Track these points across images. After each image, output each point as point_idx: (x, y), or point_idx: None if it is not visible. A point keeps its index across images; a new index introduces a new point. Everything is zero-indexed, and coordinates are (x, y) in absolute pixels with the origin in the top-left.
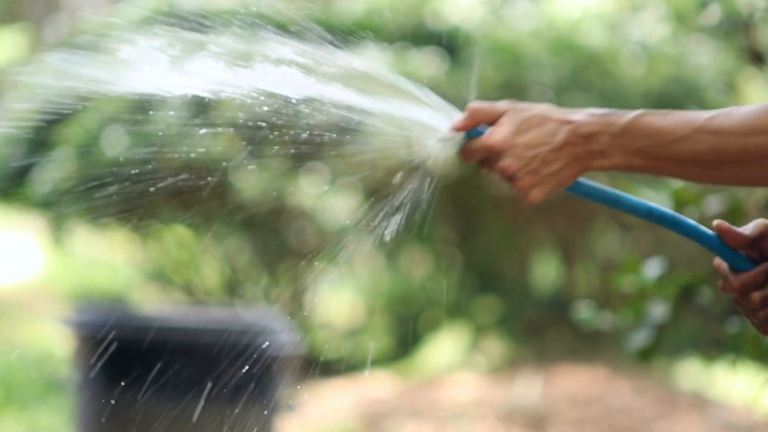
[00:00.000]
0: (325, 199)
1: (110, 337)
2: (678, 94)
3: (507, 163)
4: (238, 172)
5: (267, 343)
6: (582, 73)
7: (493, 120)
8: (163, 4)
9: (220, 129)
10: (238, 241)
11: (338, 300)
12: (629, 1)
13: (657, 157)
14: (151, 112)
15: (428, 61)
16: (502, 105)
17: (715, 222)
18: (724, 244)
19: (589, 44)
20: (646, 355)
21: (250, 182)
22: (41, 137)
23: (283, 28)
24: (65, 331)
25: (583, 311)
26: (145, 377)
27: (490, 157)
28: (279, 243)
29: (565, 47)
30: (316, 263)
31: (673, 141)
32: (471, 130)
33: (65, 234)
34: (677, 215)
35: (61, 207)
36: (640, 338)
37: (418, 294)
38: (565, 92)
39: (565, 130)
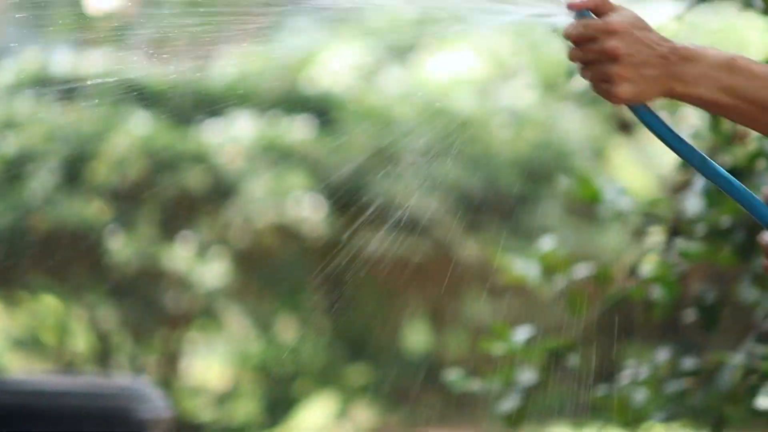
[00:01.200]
0: (198, 264)
1: None
2: (547, 160)
3: (618, 44)
4: (109, 238)
5: (137, 408)
6: (452, 139)
7: (606, 11)
8: (35, 67)
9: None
10: (109, 306)
11: (209, 365)
12: (499, 68)
13: (747, 99)
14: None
15: (300, 127)
16: (617, 5)
17: (764, 188)
18: None
19: (460, 109)
20: (514, 420)
21: (122, 247)
22: None
23: (150, 94)
24: None
25: (453, 376)
26: None
27: (600, 38)
28: (151, 308)
29: (435, 112)
30: (188, 328)
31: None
32: (584, 11)
33: None
34: (730, 176)
35: None
36: (508, 403)
37: (289, 360)
38: (435, 157)
39: (667, 46)
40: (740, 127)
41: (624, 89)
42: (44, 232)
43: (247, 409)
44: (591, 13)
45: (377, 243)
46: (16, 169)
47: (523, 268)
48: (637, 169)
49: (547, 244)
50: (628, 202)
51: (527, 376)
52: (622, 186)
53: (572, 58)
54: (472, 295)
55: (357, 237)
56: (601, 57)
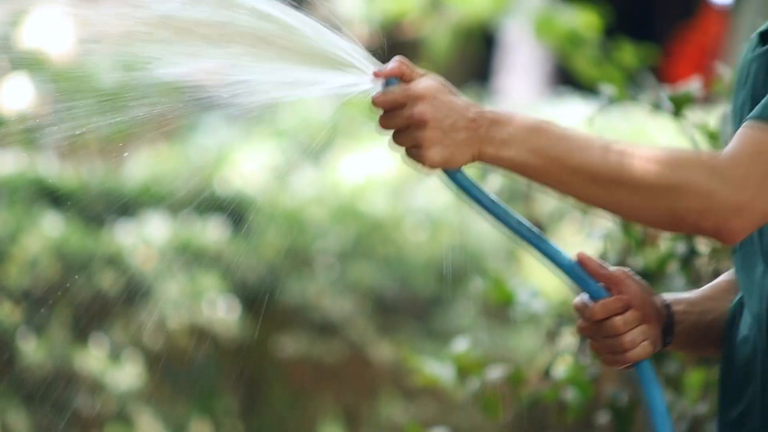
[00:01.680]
0: (111, 367)
1: None
2: (460, 262)
3: (425, 109)
4: (20, 340)
5: None
6: (366, 240)
7: (412, 78)
8: None
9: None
10: (20, 409)
11: None
12: (413, 169)
13: (557, 161)
14: None
15: (214, 228)
16: (423, 71)
17: (578, 252)
18: (584, 271)
19: (373, 211)
20: None
21: (34, 350)
22: None
23: (62, 195)
24: None
25: None
26: None
27: (407, 105)
28: (63, 411)
29: (348, 214)
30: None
31: (579, 148)
32: (391, 79)
33: None
34: (543, 235)
35: None
36: None
37: None
38: (349, 259)
39: (475, 110)
40: (651, 230)
41: (434, 153)
42: None
43: None
44: (397, 81)
45: (291, 344)
46: None
47: (438, 369)
48: (549, 272)
49: (460, 345)
50: (541, 304)
51: None
52: (534, 288)
53: (382, 125)
54: (386, 397)
55: (271, 338)
56: (410, 123)
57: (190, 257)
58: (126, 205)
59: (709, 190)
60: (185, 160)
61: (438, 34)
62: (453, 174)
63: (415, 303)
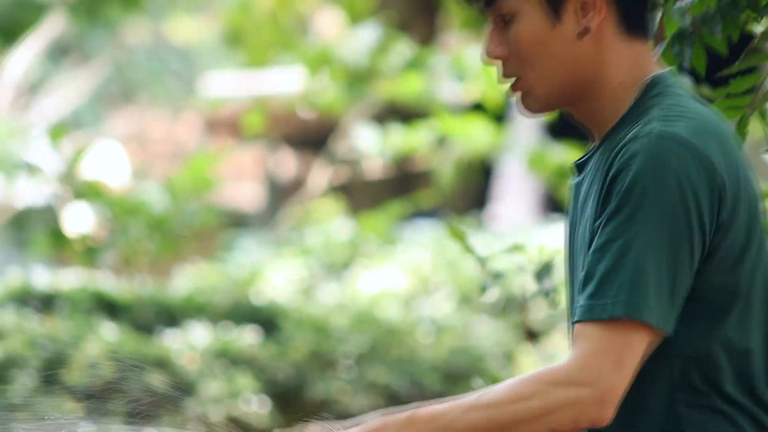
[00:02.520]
0: None
1: None
2: (463, 363)
3: None
4: None
5: None
6: (381, 343)
7: None
8: (18, 283)
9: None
10: None
11: None
12: (421, 283)
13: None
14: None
15: (248, 334)
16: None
17: None
18: None
19: (387, 319)
20: None
21: None
22: None
23: (117, 306)
24: None
25: None
26: None
27: None
28: None
29: (366, 321)
30: None
31: (451, 420)
32: None
33: None
34: None
35: None
36: None
37: None
38: (366, 360)
39: (357, 430)
40: None
41: None
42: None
43: None
44: None
45: None
46: (1, 373)
47: None
48: None
49: None
50: None
51: None
52: None
53: None
54: None
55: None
56: None
57: (228, 360)
58: (172, 315)
59: (573, 398)
60: (224, 276)
61: (443, 167)
62: None
63: (424, 399)
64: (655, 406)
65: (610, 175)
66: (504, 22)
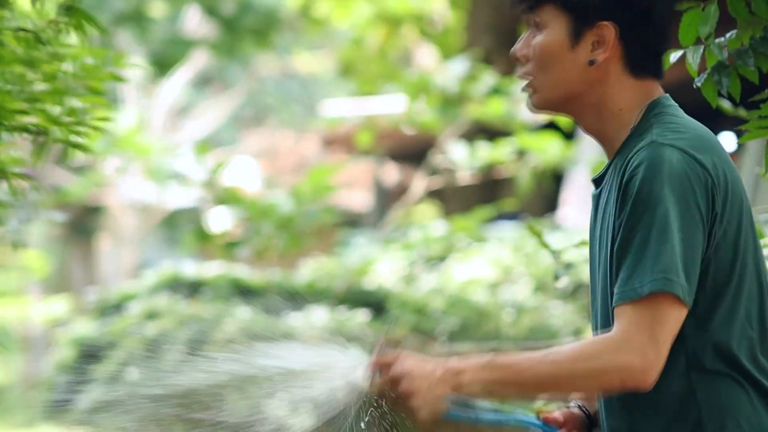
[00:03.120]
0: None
1: None
2: (539, 339)
3: (409, 386)
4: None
5: None
6: (470, 323)
7: (392, 362)
8: (170, 273)
9: None
10: None
11: None
12: (504, 272)
13: (508, 384)
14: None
15: (359, 315)
16: (397, 351)
17: (541, 414)
18: (546, 424)
19: (476, 302)
20: None
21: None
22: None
23: (251, 292)
24: None
25: None
26: None
27: (395, 385)
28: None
29: (458, 304)
30: None
31: (522, 370)
32: (380, 368)
33: None
34: (521, 415)
35: (95, 422)
36: None
37: None
38: (458, 336)
39: (442, 368)
40: None
41: (425, 412)
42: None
43: None
44: (386, 368)
45: None
46: (155, 347)
47: None
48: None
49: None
50: None
51: None
52: None
53: (375, 392)
54: None
55: None
56: (402, 397)
57: (345, 337)
58: (296, 299)
59: (628, 364)
60: (339, 266)
61: (522, 176)
62: (447, 416)
63: None
64: (673, 376)
65: (624, 182)
66: (537, 30)
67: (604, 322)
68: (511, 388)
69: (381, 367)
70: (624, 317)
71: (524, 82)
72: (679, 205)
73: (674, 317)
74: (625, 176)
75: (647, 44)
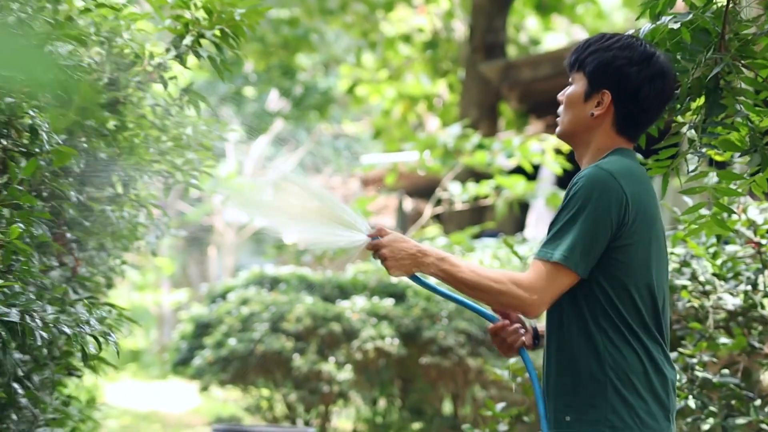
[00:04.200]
0: (337, 370)
1: None
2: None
3: (385, 252)
4: (293, 357)
5: None
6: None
7: (383, 235)
8: (258, 272)
9: (286, 334)
10: (291, 394)
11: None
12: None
13: (449, 276)
14: (248, 327)
15: (386, 301)
16: (390, 230)
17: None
18: (491, 315)
19: None
20: None
21: (300, 362)
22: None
23: (313, 285)
24: None
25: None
26: None
27: (378, 249)
28: (315, 394)
29: (455, 293)
30: None
31: (457, 272)
32: (374, 237)
33: (208, 386)
34: (465, 299)
35: (205, 375)
36: None
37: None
38: (454, 316)
39: (414, 248)
40: None
41: (393, 271)
42: (261, 353)
43: None
44: (378, 237)
45: (426, 358)
46: (246, 323)
47: (500, 372)
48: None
49: (513, 359)
50: None
51: None
52: None
53: (373, 256)
54: (475, 386)
55: (415, 355)
56: (381, 258)
57: (375, 316)
58: (344, 290)
59: (520, 296)
60: (373, 268)
61: (499, 204)
62: (411, 277)
63: (487, 337)
64: (579, 338)
65: (568, 187)
66: (570, 83)
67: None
68: (448, 281)
69: (378, 234)
70: (535, 267)
71: (558, 115)
72: (596, 205)
73: (564, 281)
74: (571, 184)
75: (630, 115)
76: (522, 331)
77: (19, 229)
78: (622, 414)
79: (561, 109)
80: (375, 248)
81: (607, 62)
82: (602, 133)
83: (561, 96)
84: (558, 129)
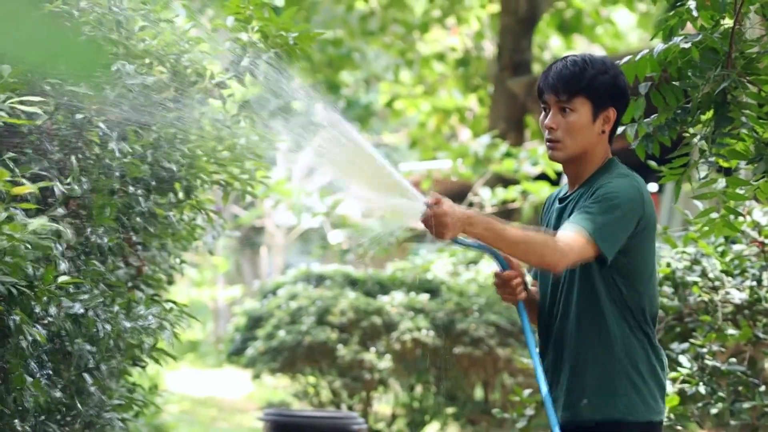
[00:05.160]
0: (378, 359)
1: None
2: None
3: (446, 220)
4: (336, 347)
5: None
6: (493, 300)
7: (439, 203)
8: (304, 270)
9: (330, 325)
10: (336, 381)
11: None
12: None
13: (493, 234)
14: (296, 320)
15: (422, 296)
16: (442, 199)
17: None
18: (504, 262)
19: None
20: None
21: (343, 351)
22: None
23: (356, 282)
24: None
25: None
26: None
27: (438, 216)
28: (358, 381)
29: (485, 288)
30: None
31: (501, 231)
32: (431, 205)
33: (260, 374)
34: (492, 249)
35: (257, 364)
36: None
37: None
38: (485, 309)
39: (464, 213)
40: None
41: (449, 235)
42: (308, 343)
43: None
44: (434, 205)
45: (459, 348)
46: (294, 316)
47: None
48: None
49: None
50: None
51: None
52: None
53: (424, 224)
54: (504, 374)
55: (449, 345)
56: (438, 222)
57: (412, 310)
58: (384, 286)
59: (552, 254)
60: (411, 265)
61: (525, 207)
62: (455, 240)
63: (518, 329)
64: (595, 327)
65: (595, 190)
66: (564, 111)
67: None
68: (490, 237)
69: (430, 204)
70: (573, 232)
71: (550, 139)
72: (626, 204)
73: (590, 254)
74: (597, 188)
75: (618, 124)
76: (523, 286)
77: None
78: (633, 398)
79: (559, 134)
80: (433, 216)
81: (611, 83)
82: (601, 146)
83: (552, 123)
84: (560, 153)
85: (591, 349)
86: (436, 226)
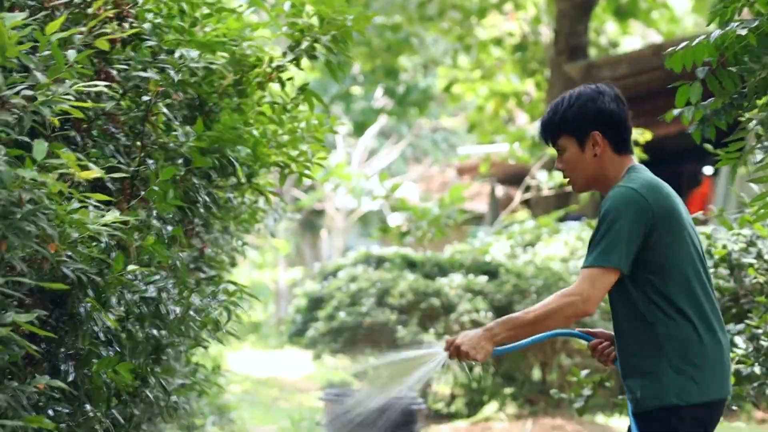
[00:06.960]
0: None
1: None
2: None
3: (466, 348)
4: (397, 329)
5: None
6: (551, 282)
7: (452, 341)
8: (363, 253)
9: (390, 308)
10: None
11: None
12: (572, 251)
13: (515, 330)
14: (356, 302)
15: (480, 278)
16: (451, 337)
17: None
18: (586, 335)
19: (554, 268)
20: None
21: (403, 333)
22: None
23: (414, 264)
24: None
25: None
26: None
27: (459, 352)
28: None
29: (543, 270)
30: None
31: (518, 322)
32: (448, 348)
33: (320, 355)
34: (551, 333)
35: (318, 345)
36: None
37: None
38: (543, 291)
39: (482, 332)
40: None
41: (478, 357)
42: (368, 325)
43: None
44: (449, 347)
45: None
46: (354, 298)
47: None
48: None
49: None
50: None
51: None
52: None
53: (452, 357)
54: (562, 355)
55: None
56: (464, 356)
57: (471, 292)
58: (443, 268)
59: (571, 302)
60: (469, 248)
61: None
62: (494, 353)
63: None
64: (636, 323)
65: (600, 207)
66: (560, 152)
67: None
68: (517, 332)
69: (449, 346)
70: (579, 276)
71: (566, 179)
72: (625, 216)
73: (605, 278)
74: (602, 205)
75: (617, 136)
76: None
77: (152, 238)
78: (682, 383)
79: (567, 173)
80: (457, 353)
81: (579, 113)
82: (608, 162)
83: (560, 166)
84: (576, 188)
85: (633, 341)
86: (463, 358)
